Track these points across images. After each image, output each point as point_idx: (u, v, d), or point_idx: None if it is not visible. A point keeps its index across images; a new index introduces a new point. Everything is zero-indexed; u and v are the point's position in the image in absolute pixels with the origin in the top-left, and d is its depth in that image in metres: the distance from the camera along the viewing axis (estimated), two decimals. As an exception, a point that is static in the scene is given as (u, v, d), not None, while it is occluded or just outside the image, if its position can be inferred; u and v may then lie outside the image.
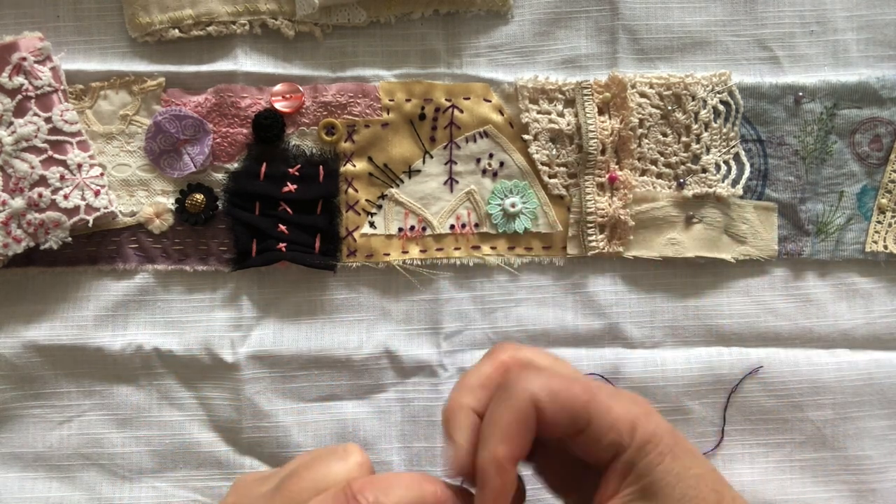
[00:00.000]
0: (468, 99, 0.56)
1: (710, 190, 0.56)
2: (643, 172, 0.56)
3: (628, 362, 0.56)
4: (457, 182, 0.56)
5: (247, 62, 0.56)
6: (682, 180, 0.56)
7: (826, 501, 0.56)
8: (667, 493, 0.40)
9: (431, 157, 0.56)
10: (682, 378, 0.56)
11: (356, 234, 0.56)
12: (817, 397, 0.55)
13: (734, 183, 0.56)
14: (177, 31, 0.55)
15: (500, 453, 0.38)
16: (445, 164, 0.56)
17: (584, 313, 0.57)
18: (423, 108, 0.56)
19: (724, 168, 0.56)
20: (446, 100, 0.56)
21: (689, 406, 0.56)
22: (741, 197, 0.56)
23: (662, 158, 0.56)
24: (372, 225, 0.56)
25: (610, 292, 0.57)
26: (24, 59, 0.53)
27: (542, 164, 0.56)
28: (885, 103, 0.56)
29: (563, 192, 0.56)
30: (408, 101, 0.56)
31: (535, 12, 0.56)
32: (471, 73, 0.56)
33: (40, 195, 0.53)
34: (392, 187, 0.56)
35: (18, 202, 0.53)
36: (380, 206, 0.56)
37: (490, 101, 0.56)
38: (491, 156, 0.56)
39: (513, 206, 0.56)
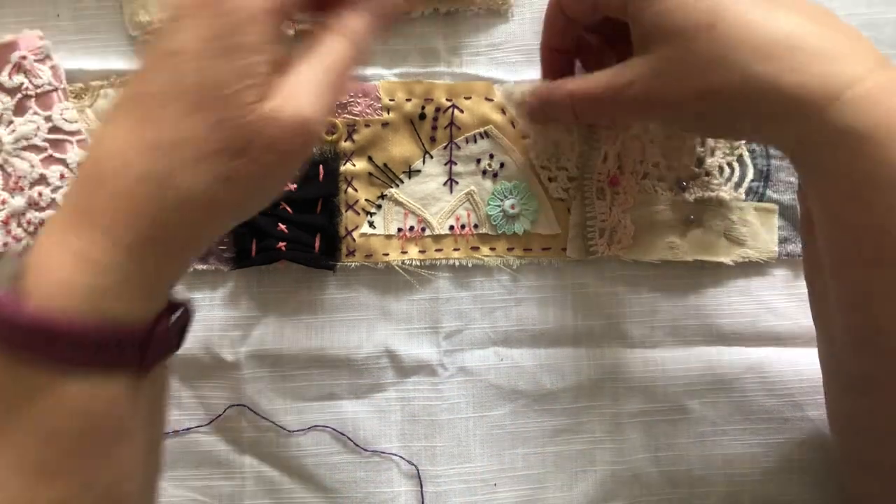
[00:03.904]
0: (469, 98, 0.55)
1: (713, 194, 0.56)
2: (644, 175, 0.56)
3: (628, 362, 0.56)
4: (457, 183, 0.56)
5: (246, 61, 0.55)
6: (683, 183, 0.56)
7: (826, 501, 0.56)
8: (656, 33, 0.42)
9: (431, 157, 0.56)
10: (682, 377, 0.56)
11: (355, 234, 0.56)
12: (818, 396, 0.55)
13: (737, 186, 0.56)
14: (177, 29, 0.55)
15: (541, 42, 0.53)
16: (445, 164, 0.56)
17: (585, 313, 0.57)
18: (423, 107, 0.55)
19: (727, 171, 0.56)
20: (447, 99, 0.55)
21: (689, 405, 0.56)
22: (743, 199, 0.56)
23: (665, 161, 0.56)
24: (371, 225, 0.56)
25: (610, 292, 0.57)
26: (24, 57, 0.53)
27: (543, 167, 0.56)
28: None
29: (564, 195, 0.56)
30: (408, 100, 0.55)
31: (535, 11, 0.56)
32: (470, 71, 0.56)
33: (40, 194, 0.53)
34: (392, 187, 0.56)
35: (18, 201, 0.53)
36: (379, 206, 0.56)
37: (492, 101, 0.56)
38: (491, 156, 0.56)
39: (512, 207, 0.56)
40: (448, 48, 0.56)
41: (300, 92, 0.37)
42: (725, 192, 0.56)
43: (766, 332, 0.56)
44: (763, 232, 0.56)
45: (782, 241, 0.56)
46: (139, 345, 0.36)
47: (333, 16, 0.40)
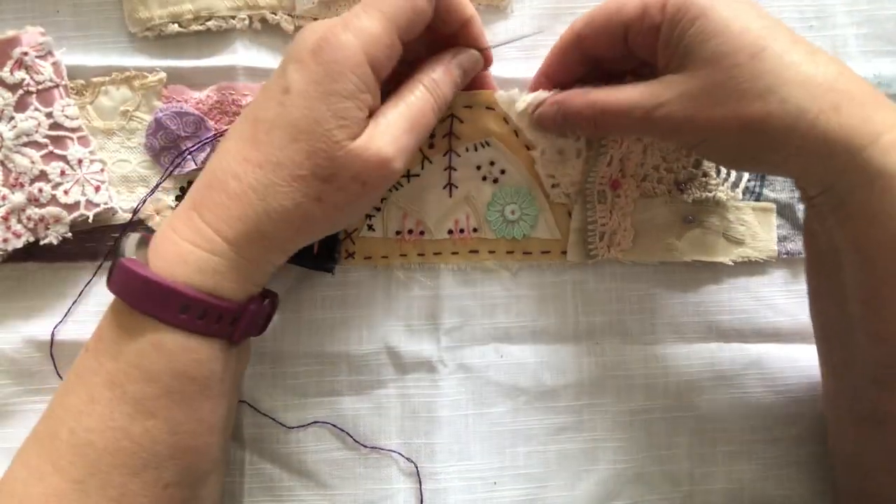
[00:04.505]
0: (469, 108, 0.54)
1: (710, 194, 0.55)
2: (644, 178, 0.55)
3: (629, 358, 0.56)
4: (456, 187, 0.56)
5: (246, 57, 0.56)
6: (682, 185, 0.56)
7: (824, 496, 0.56)
8: (697, 55, 0.42)
9: (431, 162, 0.55)
10: (682, 374, 0.56)
11: (354, 236, 0.56)
12: (816, 392, 0.55)
13: (734, 186, 0.56)
14: (176, 25, 0.55)
15: (540, 70, 0.52)
16: (445, 170, 0.55)
17: (585, 309, 0.57)
18: None
19: (724, 171, 0.56)
20: None
21: (689, 402, 0.56)
22: (740, 199, 0.56)
23: (665, 163, 0.56)
24: (370, 227, 0.56)
25: (611, 289, 0.57)
26: (26, 53, 0.53)
27: (548, 175, 0.55)
28: (883, 100, 0.56)
29: (566, 199, 0.55)
30: None
31: (535, 7, 0.56)
32: (470, 68, 0.56)
33: (40, 190, 0.53)
34: (391, 190, 0.55)
35: (19, 197, 0.53)
36: (378, 209, 0.56)
37: (493, 110, 0.54)
38: (492, 163, 0.55)
39: (512, 213, 0.55)
40: (448, 45, 0.56)
41: (382, 133, 0.44)
42: (723, 193, 0.56)
43: (766, 329, 0.56)
44: (762, 231, 0.56)
45: (781, 239, 0.56)
46: (232, 319, 0.45)
47: (420, 66, 0.48)
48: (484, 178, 0.55)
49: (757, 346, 0.56)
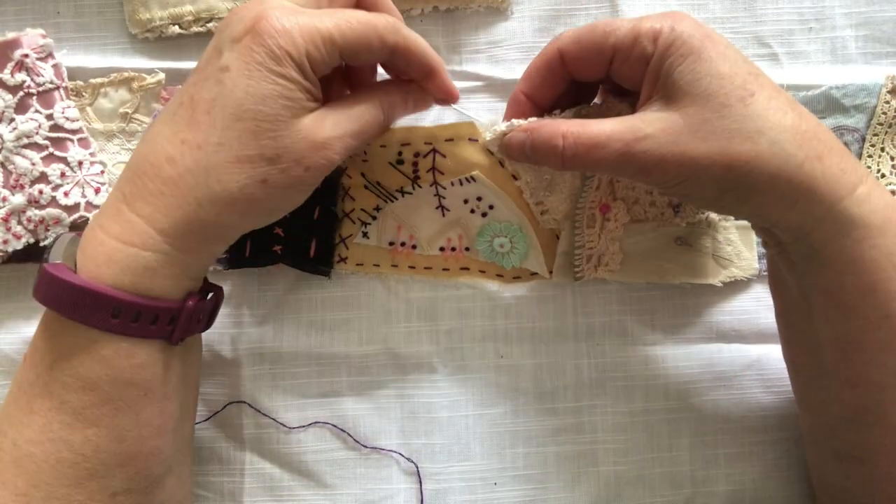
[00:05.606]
0: (451, 141, 0.52)
1: (703, 216, 0.55)
2: (636, 201, 0.55)
3: (629, 359, 0.56)
4: (448, 210, 0.55)
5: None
6: (677, 207, 0.55)
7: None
8: (685, 91, 0.42)
9: (420, 187, 0.54)
10: (682, 375, 0.56)
11: (348, 242, 0.56)
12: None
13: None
14: (177, 27, 0.55)
15: (518, 87, 0.49)
16: (434, 196, 0.54)
17: (585, 310, 0.57)
18: (400, 153, 0.53)
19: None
20: (426, 143, 0.52)
21: (689, 403, 0.56)
22: (728, 220, 0.56)
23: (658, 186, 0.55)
24: (365, 235, 0.55)
25: (611, 289, 0.57)
26: (27, 55, 0.53)
27: (536, 203, 0.54)
28: (848, 111, 0.56)
29: (555, 225, 0.54)
30: (382, 146, 0.53)
31: (535, 9, 0.56)
32: (470, 70, 0.56)
33: (41, 192, 0.53)
34: (388, 201, 0.55)
35: (19, 199, 0.53)
36: (374, 218, 0.55)
37: (476, 141, 0.52)
38: (479, 199, 0.54)
39: (502, 246, 0.55)
40: (448, 46, 0.56)
41: (334, 126, 0.43)
42: (715, 214, 0.55)
43: (766, 330, 0.56)
44: (745, 250, 0.56)
45: (762, 256, 0.56)
46: (170, 318, 0.43)
47: (381, 85, 0.48)
48: (472, 211, 0.54)
49: (757, 346, 0.56)
